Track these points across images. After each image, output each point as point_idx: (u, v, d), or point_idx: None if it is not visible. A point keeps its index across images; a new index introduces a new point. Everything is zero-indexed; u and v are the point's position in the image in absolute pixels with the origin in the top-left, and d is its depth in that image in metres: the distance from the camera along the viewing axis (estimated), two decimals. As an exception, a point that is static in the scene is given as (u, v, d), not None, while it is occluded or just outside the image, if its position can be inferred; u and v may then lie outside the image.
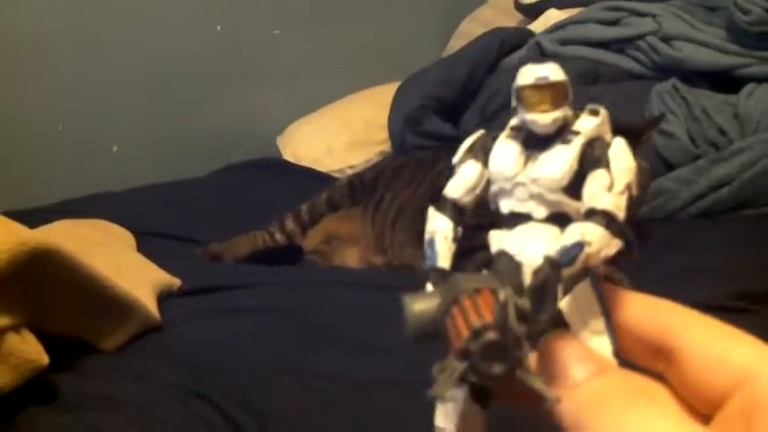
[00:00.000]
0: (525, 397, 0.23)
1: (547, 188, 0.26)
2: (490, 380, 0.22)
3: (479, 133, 0.28)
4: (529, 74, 0.26)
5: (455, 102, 1.78)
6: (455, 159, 0.28)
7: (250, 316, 1.04)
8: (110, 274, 0.92)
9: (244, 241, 1.45)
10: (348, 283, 1.15)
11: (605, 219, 0.24)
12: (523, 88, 0.26)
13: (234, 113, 2.12)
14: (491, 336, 0.22)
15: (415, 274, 1.27)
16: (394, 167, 1.54)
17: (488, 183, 0.27)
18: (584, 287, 0.25)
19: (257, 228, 1.48)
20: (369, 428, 0.79)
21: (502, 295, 0.23)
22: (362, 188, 1.50)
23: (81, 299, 0.89)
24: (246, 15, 2.12)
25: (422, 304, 0.25)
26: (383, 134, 1.88)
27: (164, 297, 1.06)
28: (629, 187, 0.25)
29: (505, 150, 0.27)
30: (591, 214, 0.24)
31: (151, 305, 0.99)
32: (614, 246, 0.24)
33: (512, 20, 2.14)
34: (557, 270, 0.24)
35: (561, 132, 0.26)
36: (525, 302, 0.23)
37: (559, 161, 0.26)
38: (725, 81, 1.51)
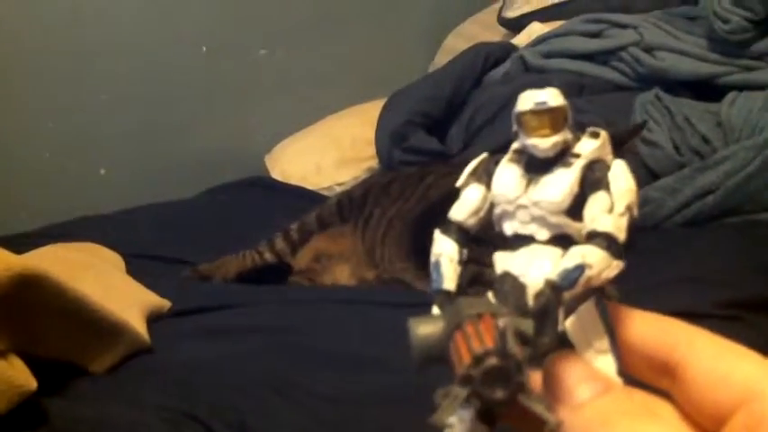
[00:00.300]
0: (530, 419, 0.23)
1: (548, 211, 0.26)
2: (493, 405, 0.23)
3: (482, 156, 0.29)
4: (528, 99, 0.26)
5: (441, 117, 1.78)
6: (459, 182, 0.29)
7: (240, 336, 1.04)
8: (99, 296, 0.92)
9: (233, 261, 1.44)
10: (337, 301, 1.15)
11: (606, 241, 0.25)
12: (523, 113, 0.26)
13: (221, 133, 2.12)
14: (492, 361, 0.22)
15: (405, 288, 1.27)
16: (382, 184, 1.55)
17: (492, 205, 0.28)
18: (589, 307, 0.26)
19: (247, 247, 1.47)
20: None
21: (501, 322, 0.23)
22: (351, 206, 1.50)
23: (69, 323, 0.89)
24: (232, 35, 2.13)
25: (427, 328, 0.25)
26: (371, 151, 1.89)
27: (153, 319, 1.06)
28: (629, 209, 0.25)
29: (507, 173, 0.27)
30: (592, 237, 0.25)
31: (140, 327, 0.99)
32: (615, 267, 0.25)
33: (495, 34, 2.15)
34: (558, 293, 0.24)
35: (562, 155, 0.26)
36: (527, 326, 0.24)
37: (560, 184, 0.26)
38: (707, 90, 1.52)
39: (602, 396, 0.24)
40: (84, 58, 1.92)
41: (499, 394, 0.22)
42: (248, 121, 2.16)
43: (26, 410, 0.80)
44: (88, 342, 0.92)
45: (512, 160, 0.28)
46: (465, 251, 0.28)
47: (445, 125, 1.78)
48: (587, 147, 0.26)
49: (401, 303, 1.10)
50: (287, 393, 0.87)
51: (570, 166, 0.26)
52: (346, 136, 1.96)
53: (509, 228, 0.27)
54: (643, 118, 1.46)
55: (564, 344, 0.25)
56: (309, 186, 1.87)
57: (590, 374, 0.25)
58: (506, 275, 0.26)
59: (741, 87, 1.48)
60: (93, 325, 0.90)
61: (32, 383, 0.79)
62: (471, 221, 0.28)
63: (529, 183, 0.27)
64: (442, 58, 2.17)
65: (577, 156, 0.26)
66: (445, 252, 0.28)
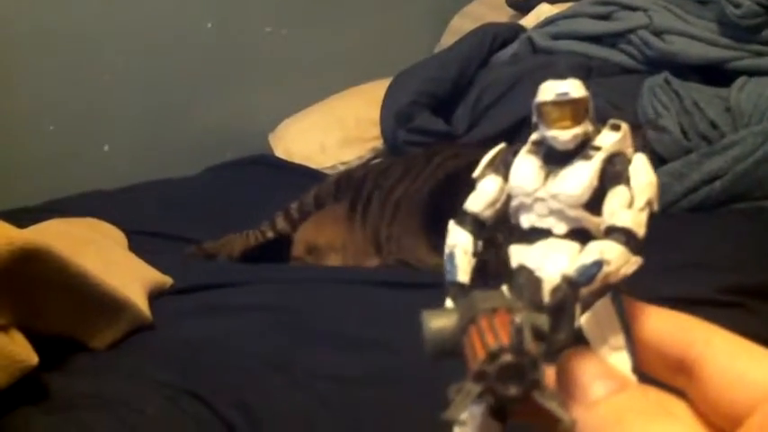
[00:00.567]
0: (544, 415, 0.23)
1: (567, 204, 0.26)
2: (507, 402, 0.22)
3: (500, 147, 0.28)
4: (549, 90, 0.26)
5: (447, 98, 1.77)
6: (475, 173, 0.28)
7: (241, 314, 1.04)
8: (100, 272, 0.92)
9: (237, 240, 1.44)
10: (339, 281, 1.15)
11: (625, 236, 0.24)
12: (544, 104, 0.26)
13: (225, 111, 2.11)
14: (507, 358, 0.22)
15: (411, 270, 1.26)
16: (382, 167, 1.54)
17: (509, 197, 0.27)
18: (605, 303, 0.25)
19: (250, 225, 1.47)
20: (360, 425, 0.79)
21: (518, 318, 0.23)
22: (348, 186, 1.50)
23: (71, 298, 0.88)
24: (238, 13, 2.11)
25: (440, 321, 0.24)
26: (375, 131, 1.88)
27: (155, 295, 1.06)
28: (649, 203, 0.25)
29: (525, 165, 0.27)
30: (610, 232, 0.24)
31: (142, 304, 0.99)
32: (634, 263, 0.24)
33: (502, 15, 2.14)
34: (574, 289, 0.24)
35: (582, 148, 0.26)
36: (543, 321, 0.23)
37: (579, 178, 0.25)
38: (716, 74, 1.51)
39: (616, 394, 0.24)
40: (89, 35, 1.91)
41: (513, 391, 0.22)
42: (252, 99, 2.15)
43: (26, 385, 0.80)
44: (89, 318, 0.91)
45: (530, 151, 0.27)
46: (480, 243, 0.28)
47: (451, 106, 1.77)
48: (608, 139, 0.26)
49: (403, 284, 1.10)
50: (288, 372, 0.87)
51: (590, 159, 0.26)
52: (351, 116, 1.95)
53: (526, 220, 0.27)
54: (652, 102, 1.45)
55: (579, 340, 0.25)
56: (313, 165, 1.86)
57: (605, 372, 0.24)
58: (522, 269, 0.26)
59: (751, 72, 1.47)
60: (94, 301, 0.90)
61: (33, 358, 0.79)
62: (487, 213, 0.28)
63: (547, 175, 0.26)
64: (448, 39, 2.15)
65: (598, 148, 0.26)
66: (460, 243, 0.27)
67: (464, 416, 0.24)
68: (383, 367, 0.86)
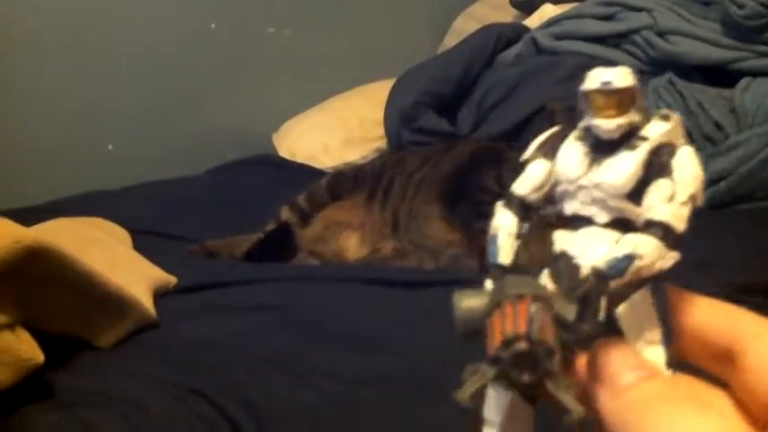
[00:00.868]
0: (556, 404, 0.23)
1: (609, 194, 0.25)
2: (519, 388, 0.23)
3: (552, 131, 0.28)
4: (595, 78, 0.25)
5: (451, 98, 1.77)
6: (525, 156, 0.28)
7: (246, 313, 1.04)
8: (106, 271, 0.92)
9: (239, 241, 1.44)
10: (343, 280, 1.15)
11: (662, 231, 0.24)
12: (589, 92, 0.25)
13: (229, 111, 2.12)
14: (521, 346, 0.22)
15: (429, 256, 1.26)
16: (397, 157, 1.55)
17: (555, 183, 0.27)
18: (644, 295, 0.25)
19: (253, 225, 1.47)
20: (366, 424, 0.79)
21: (533, 307, 0.23)
22: (365, 177, 1.50)
23: (76, 296, 0.88)
24: (241, 13, 2.11)
25: (470, 302, 0.25)
26: (379, 131, 1.88)
27: (160, 295, 1.06)
28: (693, 198, 0.24)
29: (571, 152, 0.27)
30: (648, 226, 0.24)
31: (147, 302, 0.99)
32: (670, 259, 0.24)
33: (506, 16, 2.13)
34: (602, 282, 0.24)
35: (629, 137, 0.26)
36: (569, 311, 0.23)
37: (623, 168, 0.25)
38: (720, 75, 1.51)
39: (645, 381, 0.24)
40: (92, 34, 1.91)
41: (526, 378, 0.22)
42: (256, 99, 2.15)
43: (32, 383, 0.80)
44: (95, 316, 0.91)
45: (578, 138, 0.27)
46: (526, 225, 0.28)
47: (455, 106, 1.77)
48: (656, 130, 0.25)
49: (407, 283, 1.10)
50: (293, 371, 0.87)
51: (635, 149, 0.25)
52: (354, 116, 1.95)
53: (569, 207, 0.26)
54: (655, 103, 1.45)
55: (613, 330, 0.25)
56: (316, 165, 1.86)
57: (635, 362, 0.24)
58: (563, 255, 0.25)
59: (755, 73, 1.47)
60: (100, 299, 0.90)
61: (39, 357, 0.79)
62: (534, 197, 0.27)
63: (592, 163, 0.26)
64: (451, 40, 2.15)
65: (644, 138, 0.25)
66: (504, 225, 0.27)
67: (499, 418, 0.24)
68: (387, 367, 0.86)
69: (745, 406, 0.24)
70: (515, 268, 0.27)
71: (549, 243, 0.26)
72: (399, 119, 1.78)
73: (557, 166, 0.27)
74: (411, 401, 0.80)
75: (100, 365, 0.90)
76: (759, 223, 1.23)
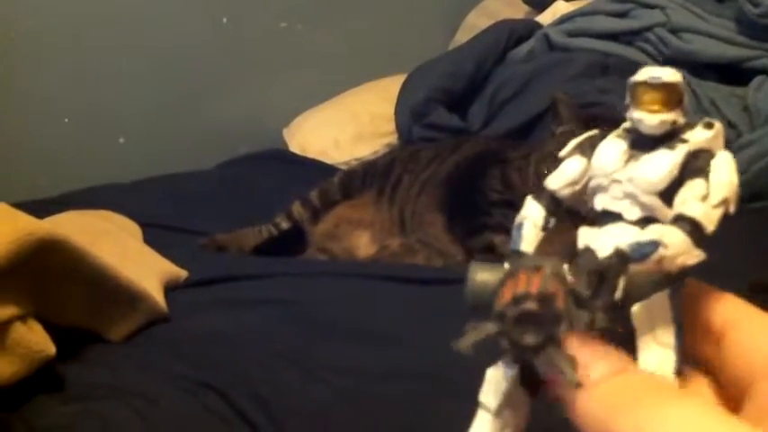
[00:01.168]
0: (552, 376, 0.23)
1: (642, 189, 0.25)
2: (519, 348, 0.22)
3: (592, 132, 0.28)
4: (645, 72, 0.26)
5: (462, 94, 1.77)
6: (563, 153, 0.28)
7: (256, 307, 1.04)
8: (117, 264, 0.92)
9: (250, 234, 1.44)
10: (353, 275, 1.15)
11: (690, 226, 0.24)
12: (637, 84, 0.26)
13: (240, 106, 2.12)
14: (530, 305, 0.22)
15: (436, 253, 1.26)
16: (409, 152, 1.55)
17: (590, 180, 0.27)
18: (662, 297, 0.25)
19: (263, 220, 1.47)
20: (376, 419, 0.79)
21: (548, 269, 0.23)
22: (374, 173, 1.50)
23: (88, 289, 0.89)
24: (253, 7, 2.11)
25: (485, 275, 0.25)
26: (389, 126, 1.88)
27: (170, 288, 1.06)
28: (725, 202, 0.24)
29: (611, 147, 0.27)
30: (677, 219, 0.24)
31: (158, 296, 0.99)
32: (695, 256, 0.24)
33: (518, 12, 2.13)
34: (622, 261, 0.23)
35: (670, 137, 0.26)
36: (583, 286, 0.23)
37: (659, 164, 0.25)
38: (734, 73, 1.50)
39: (616, 375, 0.23)
40: (105, 27, 1.91)
41: (528, 339, 0.22)
42: (267, 93, 2.15)
43: (43, 375, 0.80)
44: (106, 309, 0.92)
45: (619, 136, 0.27)
46: (553, 220, 0.28)
47: (466, 102, 1.77)
48: (698, 135, 0.26)
49: (418, 279, 1.10)
50: (303, 366, 0.87)
51: (674, 149, 0.25)
52: (365, 111, 1.95)
53: (600, 202, 0.27)
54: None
55: (625, 327, 0.25)
56: (327, 161, 1.86)
57: (606, 356, 0.23)
58: (587, 250, 0.25)
59: (769, 72, 1.46)
60: (111, 292, 0.90)
61: (51, 348, 0.80)
62: (565, 192, 0.28)
63: (629, 159, 0.26)
64: (463, 36, 2.15)
65: (685, 141, 0.25)
66: (531, 216, 0.27)
67: (495, 403, 0.24)
68: (398, 362, 0.86)
69: (724, 389, 0.24)
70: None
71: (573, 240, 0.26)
72: (410, 114, 1.78)
73: (594, 160, 0.27)
74: (421, 397, 0.80)
75: (110, 358, 0.91)
76: (771, 223, 1.22)
